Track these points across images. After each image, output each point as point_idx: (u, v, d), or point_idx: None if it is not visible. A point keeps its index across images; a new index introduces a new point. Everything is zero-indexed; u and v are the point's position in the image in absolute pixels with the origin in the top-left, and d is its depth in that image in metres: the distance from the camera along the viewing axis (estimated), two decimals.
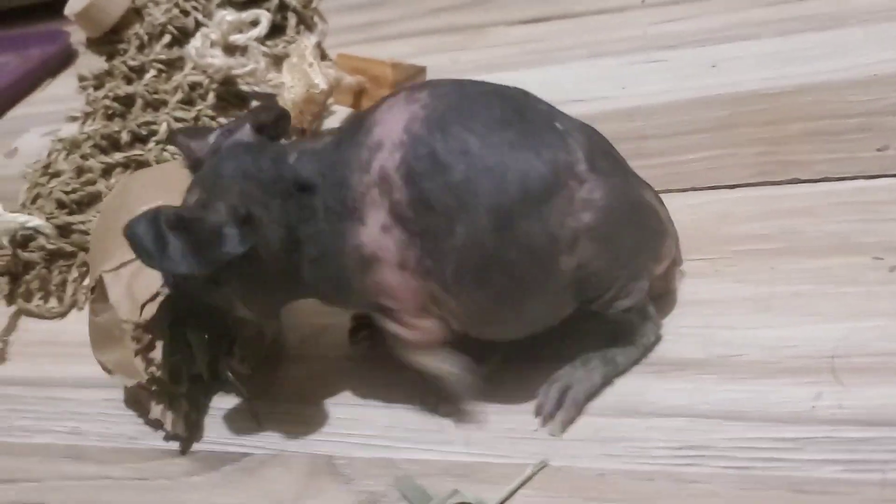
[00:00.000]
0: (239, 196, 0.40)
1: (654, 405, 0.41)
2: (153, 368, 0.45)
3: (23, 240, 0.61)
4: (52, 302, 0.60)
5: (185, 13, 0.71)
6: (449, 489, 0.40)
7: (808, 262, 0.45)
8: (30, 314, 0.60)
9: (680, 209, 0.49)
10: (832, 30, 0.59)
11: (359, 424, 0.45)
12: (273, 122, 0.44)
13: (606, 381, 0.42)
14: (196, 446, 0.47)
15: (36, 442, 0.50)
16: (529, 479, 0.40)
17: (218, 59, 0.62)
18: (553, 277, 0.40)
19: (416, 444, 0.43)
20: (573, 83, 0.63)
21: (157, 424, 0.47)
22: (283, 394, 0.48)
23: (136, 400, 0.49)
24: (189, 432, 0.47)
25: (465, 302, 0.40)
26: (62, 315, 0.59)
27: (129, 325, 0.45)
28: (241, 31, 0.67)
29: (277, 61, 0.66)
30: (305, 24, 0.69)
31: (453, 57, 0.70)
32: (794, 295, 0.43)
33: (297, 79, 0.60)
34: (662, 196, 0.47)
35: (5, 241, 0.60)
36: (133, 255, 0.46)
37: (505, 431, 0.42)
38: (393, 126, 0.40)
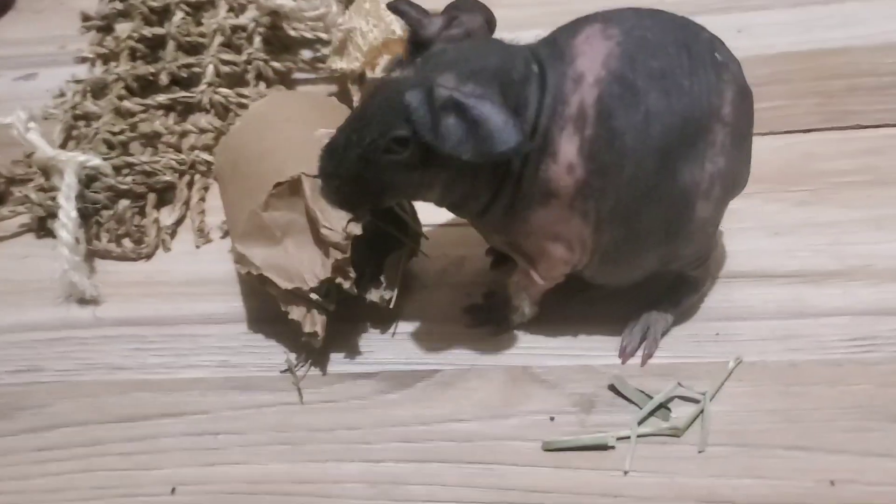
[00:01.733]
0: (502, 90, 0.41)
1: (816, 308, 0.48)
2: (349, 284, 0.46)
3: (87, 180, 0.59)
4: (127, 243, 0.58)
5: None
6: (670, 385, 0.45)
7: None
8: (109, 256, 0.57)
9: (768, 149, 0.57)
10: (834, 4, 0.68)
11: (540, 338, 0.49)
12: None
13: (675, 321, 0.48)
14: (377, 367, 0.48)
15: (185, 377, 0.49)
16: (731, 372, 0.45)
17: (287, 0, 0.62)
18: (688, 222, 0.43)
19: (606, 351, 0.47)
20: None
21: (295, 327, 0.47)
22: (451, 315, 0.50)
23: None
24: (323, 338, 0.47)
25: (605, 242, 0.44)
26: (149, 257, 0.57)
27: (333, 233, 0.45)
28: None
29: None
30: None
31: None
32: None
33: (373, 24, 0.62)
34: None
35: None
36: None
37: (687, 337, 0.48)
38: (594, 59, 0.42)
